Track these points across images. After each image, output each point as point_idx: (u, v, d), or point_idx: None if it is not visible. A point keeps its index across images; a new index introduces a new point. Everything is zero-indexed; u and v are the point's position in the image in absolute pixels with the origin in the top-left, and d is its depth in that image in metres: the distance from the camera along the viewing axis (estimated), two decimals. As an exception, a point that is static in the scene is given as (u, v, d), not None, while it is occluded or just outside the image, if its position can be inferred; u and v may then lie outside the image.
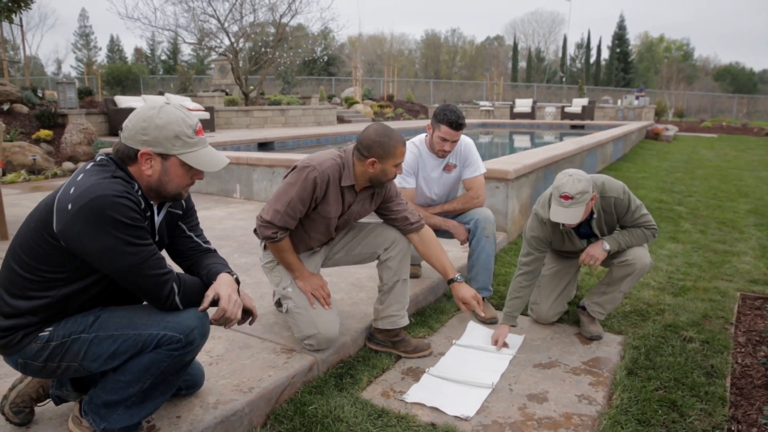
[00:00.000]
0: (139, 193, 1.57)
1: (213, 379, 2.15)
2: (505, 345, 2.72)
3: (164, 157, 1.58)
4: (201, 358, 2.33)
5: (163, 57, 50.30)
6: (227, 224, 4.98)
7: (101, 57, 52.70)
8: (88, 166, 1.55)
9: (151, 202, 1.64)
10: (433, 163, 3.16)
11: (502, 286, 3.55)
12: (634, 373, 2.45)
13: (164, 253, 1.77)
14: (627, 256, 2.72)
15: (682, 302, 3.32)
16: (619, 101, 24.62)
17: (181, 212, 1.79)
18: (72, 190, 1.47)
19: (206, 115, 12.53)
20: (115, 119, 11.38)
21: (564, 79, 45.02)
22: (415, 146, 3.16)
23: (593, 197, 2.57)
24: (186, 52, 48.44)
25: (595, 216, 2.67)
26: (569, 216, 2.52)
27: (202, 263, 1.78)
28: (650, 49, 56.73)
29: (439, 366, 2.54)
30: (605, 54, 50.35)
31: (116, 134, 11.36)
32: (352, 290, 3.18)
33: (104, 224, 1.43)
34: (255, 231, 2.41)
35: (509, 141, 15.00)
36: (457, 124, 2.92)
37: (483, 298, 3.13)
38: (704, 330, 2.91)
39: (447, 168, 3.17)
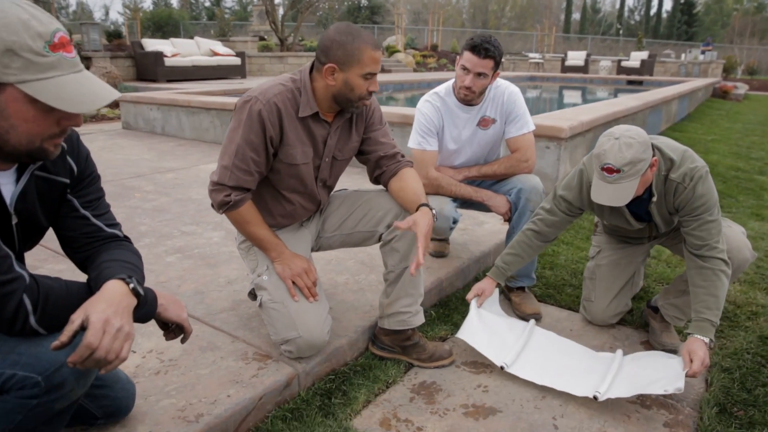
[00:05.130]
0: None
1: (152, 398, 1.61)
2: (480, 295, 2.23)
3: None
4: (148, 362, 1.79)
5: (207, 4, 49.73)
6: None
7: (147, 3, 52.47)
8: None
9: None
10: (465, 117, 2.47)
11: (548, 270, 2.89)
12: (728, 412, 1.79)
13: (50, 250, 1.18)
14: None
15: (779, 303, 2.59)
16: (682, 55, 22.73)
17: (68, 180, 1.19)
18: None
19: (237, 61, 11.96)
20: (141, 63, 10.93)
21: (621, 32, 42.25)
22: (439, 97, 2.47)
23: (653, 163, 1.85)
24: (229, -2, 47.68)
25: (655, 199, 1.94)
26: (614, 196, 1.83)
27: (97, 259, 1.20)
28: (719, 1, 52.51)
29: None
30: (667, 6, 47.08)
31: (143, 79, 10.92)
32: (360, 271, 2.58)
33: None
34: (212, 205, 1.82)
35: (559, 96, 13.89)
36: (482, 49, 2.22)
37: (524, 288, 2.49)
38: (817, 346, 2.20)
39: (483, 123, 2.47)
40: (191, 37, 12.47)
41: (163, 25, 26.81)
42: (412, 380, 1.96)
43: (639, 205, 2.01)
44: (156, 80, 10.48)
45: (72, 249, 1.24)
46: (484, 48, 2.22)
